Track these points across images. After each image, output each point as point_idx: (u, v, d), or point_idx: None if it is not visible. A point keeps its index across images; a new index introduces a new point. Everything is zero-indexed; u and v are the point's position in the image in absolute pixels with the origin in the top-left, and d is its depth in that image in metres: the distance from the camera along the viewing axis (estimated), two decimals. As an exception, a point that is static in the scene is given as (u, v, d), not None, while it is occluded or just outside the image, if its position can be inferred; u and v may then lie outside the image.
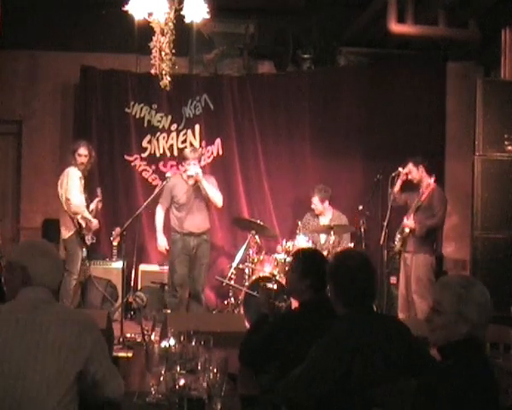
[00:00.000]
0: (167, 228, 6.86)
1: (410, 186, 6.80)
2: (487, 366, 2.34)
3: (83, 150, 6.75)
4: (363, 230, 7.16)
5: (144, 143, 7.97)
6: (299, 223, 7.23)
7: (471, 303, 2.31)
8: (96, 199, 6.93)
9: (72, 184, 6.60)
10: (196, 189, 6.69)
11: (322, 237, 7.19)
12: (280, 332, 3.36)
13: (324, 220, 7.38)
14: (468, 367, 2.27)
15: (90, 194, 7.00)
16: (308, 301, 3.44)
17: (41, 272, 2.59)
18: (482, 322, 2.31)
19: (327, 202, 7.39)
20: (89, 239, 6.73)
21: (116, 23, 6.54)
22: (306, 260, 3.56)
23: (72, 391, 2.46)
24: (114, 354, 4.91)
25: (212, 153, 7.99)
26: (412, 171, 6.61)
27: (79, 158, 6.73)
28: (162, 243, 6.78)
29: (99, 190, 7.03)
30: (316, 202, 7.37)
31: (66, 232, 6.65)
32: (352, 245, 7.23)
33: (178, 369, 2.85)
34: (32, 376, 2.39)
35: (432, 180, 6.60)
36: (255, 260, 7.09)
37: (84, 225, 6.64)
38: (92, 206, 6.85)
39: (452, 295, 2.35)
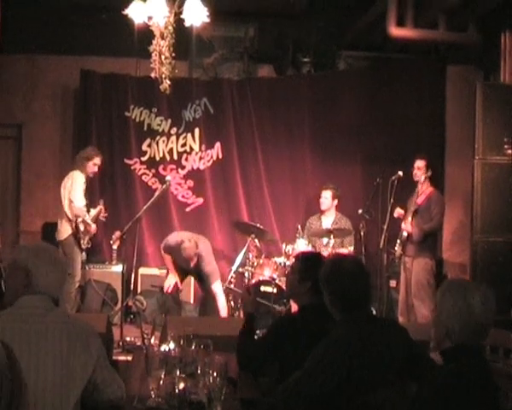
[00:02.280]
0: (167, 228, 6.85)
1: (407, 191, 6.81)
2: (488, 370, 2.34)
3: (98, 160, 6.86)
4: (362, 233, 7.16)
5: (144, 147, 7.97)
6: (299, 227, 7.23)
7: (445, 311, 2.36)
8: (99, 207, 6.94)
9: (76, 187, 6.63)
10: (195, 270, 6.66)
11: (324, 241, 7.19)
12: (279, 336, 3.36)
13: (327, 222, 7.37)
14: (469, 372, 2.28)
15: (90, 199, 7.02)
16: (308, 305, 3.44)
17: (45, 280, 2.54)
18: (458, 330, 2.32)
19: (336, 202, 7.39)
20: (84, 243, 6.73)
21: (116, 27, 6.53)
22: (308, 263, 3.56)
23: (79, 400, 2.45)
24: (114, 357, 4.91)
25: (212, 157, 8.00)
26: (421, 169, 6.61)
27: (93, 167, 6.83)
28: (170, 281, 6.73)
29: (102, 202, 7.03)
30: (327, 196, 7.35)
31: (63, 234, 6.66)
32: (351, 248, 7.24)
33: (178, 373, 2.85)
34: (36, 385, 2.36)
35: (423, 178, 6.60)
36: (255, 263, 7.09)
37: (82, 228, 6.66)
38: (94, 212, 6.86)
39: (437, 301, 2.42)
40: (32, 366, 2.38)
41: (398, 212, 6.67)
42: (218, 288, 6.58)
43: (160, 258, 7.61)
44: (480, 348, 2.37)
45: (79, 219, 6.64)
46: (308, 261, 3.59)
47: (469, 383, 2.25)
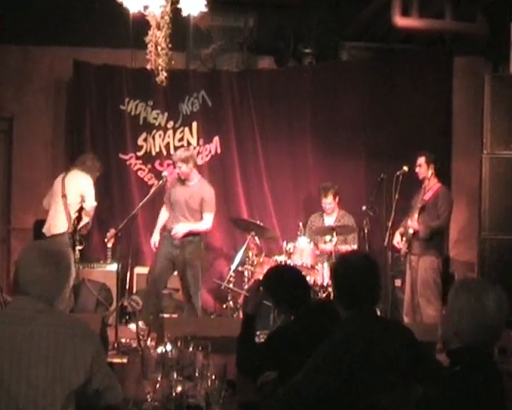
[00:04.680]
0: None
1: (412, 186, 6.81)
2: (496, 373, 2.34)
3: None
4: (366, 231, 7.16)
5: (140, 142, 7.97)
6: (301, 224, 7.23)
7: (457, 310, 2.34)
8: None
9: (92, 190, 6.83)
10: (189, 193, 6.67)
11: (327, 238, 7.20)
12: (280, 343, 3.38)
13: (329, 220, 7.38)
14: (475, 375, 2.27)
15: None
16: (303, 311, 3.46)
17: (31, 280, 2.50)
18: (471, 331, 2.31)
19: (337, 199, 7.39)
20: (77, 241, 6.78)
21: (110, 17, 6.52)
22: (267, 280, 3.69)
23: (71, 403, 2.44)
24: (109, 359, 4.90)
25: (210, 151, 7.99)
26: (422, 166, 6.62)
27: (95, 178, 7.01)
28: (154, 238, 6.83)
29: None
30: (330, 201, 7.33)
31: (59, 229, 6.67)
32: (355, 247, 7.23)
33: (175, 375, 2.85)
34: (18, 388, 2.36)
35: (430, 174, 6.61)
36: (255, 262, 7.09)
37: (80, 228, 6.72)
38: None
39: (449, 299, 2.40)
40: (14, 370, 2.37)
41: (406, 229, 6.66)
42: (208, 217, 6.68)
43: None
44: (489, 351, 2.37)
45: (85, 221, 6.71)
46: (267, 279, 3.71)
47: (477, 386, 2.25)
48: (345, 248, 7.07)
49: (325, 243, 7.12)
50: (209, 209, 6.70)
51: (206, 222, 6.70)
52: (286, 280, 3.62)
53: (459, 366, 2.31)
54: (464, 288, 2.37)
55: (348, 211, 7.46)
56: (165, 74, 5.14)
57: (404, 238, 6.68)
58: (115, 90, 7.96)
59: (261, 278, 3.83)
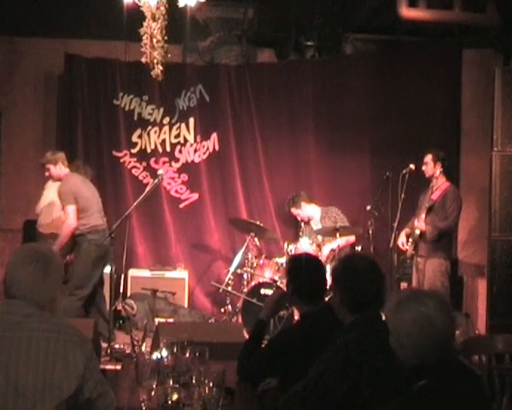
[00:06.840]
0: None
1: (419, 185, 6.82)
2: (469, 382, 2.35)
3: None
4: (371, 231, 7.16)
5: (134, 138, 7.97)
6: (303, 224, 7.24)
7: (405, 333, 2.36)
8: None
9: None
10: None
11: (320, 238, 7.21)
12: (281, 349, 3.38)
13: (314, 224, 7.41)
14: (447, 384, 2.28)
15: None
16: (308, 313, 3.46)
17: (15, 281, 2.50)
18: (428, 347, 2.32)
19: (304, 205, 7.42)
20: None
21: (103, 7, 6.54)
22: (290, 265, 3.66)
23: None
24: (102, 366, 4.91)
25: (208, 148, 8.00)
26: (429, 164, 6.63)
27: None
28: None
29: None
30: (295, 214, 7.49)
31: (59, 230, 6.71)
32: (354, 241, 7.24)
33: (171, 383, 2.86)
34: (5, 397, 2.35)
35: (438, 172, 6.61)
36: (254, 264, 7.10)
37: None
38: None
39: (390, 322, 2.45)
40: (1, 378, 2.36)
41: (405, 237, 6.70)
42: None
43: (151, 259, 7.66)
44: (451, 355, 2.38)
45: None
46: (290, 263, 3.69)
47: (453, 394, 2.27)
48: (342, 240, 7.08)
49: (325, 242, 7.13)
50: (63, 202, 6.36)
51: (67, 216, 6.33)
52: (304, 270, 3.58)
53: (425, 380, 2.32)
54: (401, 307, 2.38)
55: (352, 210, 7.47)
56: (160, 68, 5.15)
57: (410, 239, 6.68)
58: (108, 85, 7.96)
59: (284, 289, 3.83)
